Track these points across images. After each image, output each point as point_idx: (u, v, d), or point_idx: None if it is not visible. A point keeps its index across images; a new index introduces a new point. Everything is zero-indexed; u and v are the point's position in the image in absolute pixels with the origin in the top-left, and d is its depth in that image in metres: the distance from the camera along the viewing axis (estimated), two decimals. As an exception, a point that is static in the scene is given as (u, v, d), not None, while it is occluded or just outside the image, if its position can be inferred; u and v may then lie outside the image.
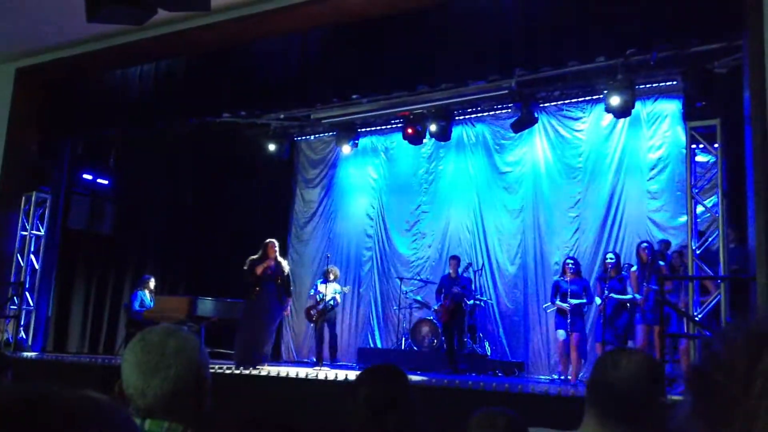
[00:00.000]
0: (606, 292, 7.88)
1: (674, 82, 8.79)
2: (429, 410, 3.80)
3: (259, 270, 8.29)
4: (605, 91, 8.62)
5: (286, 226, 11.80)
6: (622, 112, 8.48)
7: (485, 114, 10.53)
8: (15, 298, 9.50)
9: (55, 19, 7.97)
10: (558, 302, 8.30)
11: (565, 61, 7.83)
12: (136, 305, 9.82)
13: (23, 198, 9.80)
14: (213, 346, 8.91)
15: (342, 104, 10.14)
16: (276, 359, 10.39)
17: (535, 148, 10.08)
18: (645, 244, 7.96)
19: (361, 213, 11.45)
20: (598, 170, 9.56)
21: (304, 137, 12.02)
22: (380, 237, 11.20)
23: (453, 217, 10.63)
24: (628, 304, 7.95)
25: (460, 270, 9.36)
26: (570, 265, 8.41)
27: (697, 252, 6.49)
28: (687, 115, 7.35)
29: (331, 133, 11.55)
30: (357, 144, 11.12)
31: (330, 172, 11.84)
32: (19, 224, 9.74)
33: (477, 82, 8.91)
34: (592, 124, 9.73)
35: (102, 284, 11.06)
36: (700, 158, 7.23)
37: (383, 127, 11.28)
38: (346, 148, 11.01)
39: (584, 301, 8.27)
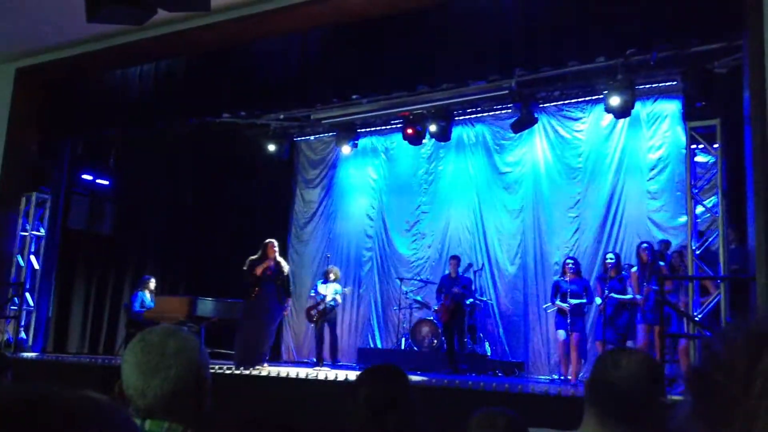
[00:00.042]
0: (606, 291, 7.89)
1: (674, 82, 8.79)
2: (429, 410, 3.79)
3: (258, 270, 8.28)
4: (605, 92, 8.62)
5: (286, 226, 11.79)
6: (622, 113, 8.47)
7: (485, 114, 10.53)
8: (15, 298, 9.48)
9: (55, 19, 7.97)
10: (558, 302, 8.31)
11: (565, 61, 7.82)
12: (137, 305, 9.81)
13: (23, 198, 9.79)
14: (213, 346, 8.90)
15: (342, 104, 10.13)
16: (276, 359, 10.38)
17: (535, 148, 10.08)
18: (645, 245, 7.96)
19: (361, 213, 11.45)
20: (598, 170, 9.56)
21: (304, 137, 12.01)
22: (380, 237, 11.20)
23: (453, 217, 10.62)
24: (629, 304, 7.96)
25: (460, 270, 9.36)
26: (570, 265, 8.42)
27: (697, 252, 6.49)
28: (687, 115, 7.36)
29: (331, 134, 11.54)
30: (357, 144, 11.11)
31: (330, 172, 11.83)
32: (19, 224, 9.73)
33: (477, 82, 8.90)
34: (592, 124, 9.73)
35: (102, 284, 11.05)
36: (700, 158, 7.23)
37: (383, 128, 11.27)
38: (346, 149, 11.00)
39: (584, 301, 8.27)
